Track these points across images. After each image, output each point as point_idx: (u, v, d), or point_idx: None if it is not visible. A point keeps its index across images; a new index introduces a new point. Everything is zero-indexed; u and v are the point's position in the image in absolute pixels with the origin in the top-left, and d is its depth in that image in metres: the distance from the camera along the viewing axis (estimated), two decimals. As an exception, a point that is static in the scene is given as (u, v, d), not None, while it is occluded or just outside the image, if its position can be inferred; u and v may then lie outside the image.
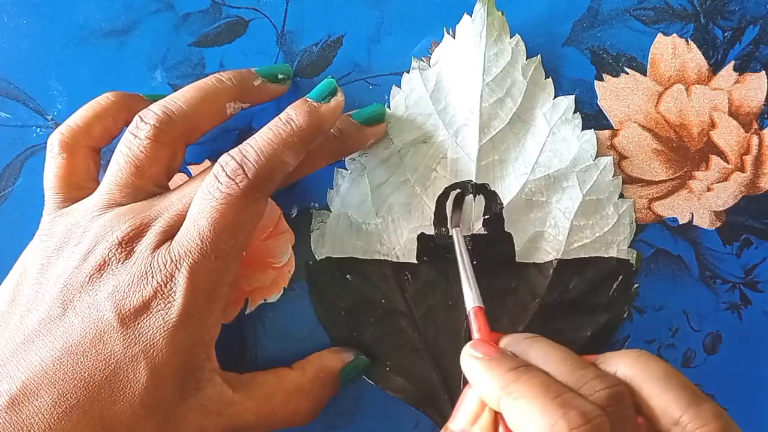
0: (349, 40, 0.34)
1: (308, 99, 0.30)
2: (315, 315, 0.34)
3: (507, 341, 0.28)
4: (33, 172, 0.34)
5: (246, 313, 0.34)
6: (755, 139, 0.34)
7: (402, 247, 0.33)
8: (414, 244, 0.33)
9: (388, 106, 0.33)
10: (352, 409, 0.34)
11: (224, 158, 0.28)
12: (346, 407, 0.34)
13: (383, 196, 0.33)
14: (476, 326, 0.28)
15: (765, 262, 0.34)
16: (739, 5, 0.33)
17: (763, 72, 0.34)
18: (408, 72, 0.33)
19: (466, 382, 0.27)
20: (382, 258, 0.33)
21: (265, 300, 0.34)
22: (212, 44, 0.34)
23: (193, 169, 0.34)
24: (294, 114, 0.29)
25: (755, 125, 0.34)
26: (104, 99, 0.31)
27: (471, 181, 0.33)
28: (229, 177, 0.27)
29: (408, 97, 0.33)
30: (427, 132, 0.33)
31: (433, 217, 0.33)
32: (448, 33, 0.33)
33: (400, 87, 0.33)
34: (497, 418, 0.26)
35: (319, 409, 0.32)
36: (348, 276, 0.33)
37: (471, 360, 0.27)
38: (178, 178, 0.33)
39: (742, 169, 0.34)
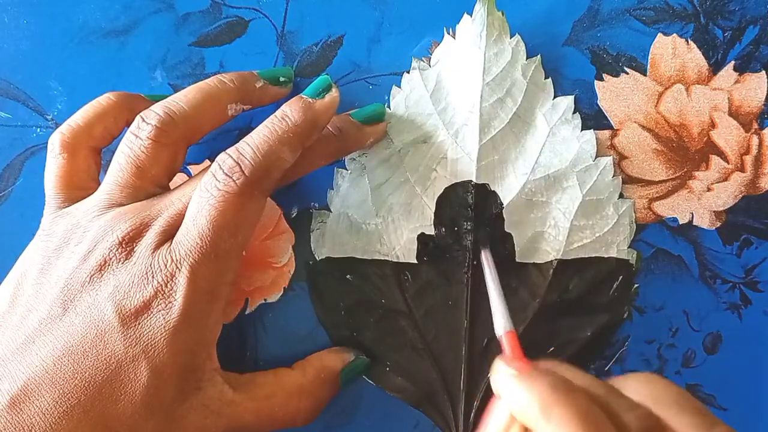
0: (349, 40, 0.34)
1: (303, 96, 0.30)
2: (315, 315, 0.34)
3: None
4: (33, 172, 0.34)
5: (246, 313, 0.34)
6: (755, 139, 0.34)
7: (402, 247, 0.33)
8: (414, 244, 0.33)
9: (388, 106, 0.33)
10: (352, 409, 0.34)
11: (221, 156, 0.28)
12: (346, 407, 0.34)
13: (383, 196, 0.33)
14: (510, 352, 0.27)
15: (765, 262, 0.34)
16: (739, 5, 0.33)
17: (763, 72, 0.34)
18: (408, 72, 0.33)
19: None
20: (382, 258, 0.33)
21: (265, 300, 0.34)
22: (212, 44, 0.34)
23: (193, 169, 0.34)
24: (289, 111, 0.29)
25: (755, 125, 0.34)
26: (105, 99, 0.31)
27: (471, 181, 0.33)
28: (227, 175, 0.27)
29: (408, 97, 0.33)
30: (427, 132, 0.33)
31: (433, 217, 0.33)
32: (448, 33, 0.33)
33: (400, 87, 0.33)
34: None
35: (319, 410, 0.32)
36: (348, 276, 0.33)
37: (506, 377, 0.25)
38: (178, 178, 0.33)
39: (742, 169, 0.34)
